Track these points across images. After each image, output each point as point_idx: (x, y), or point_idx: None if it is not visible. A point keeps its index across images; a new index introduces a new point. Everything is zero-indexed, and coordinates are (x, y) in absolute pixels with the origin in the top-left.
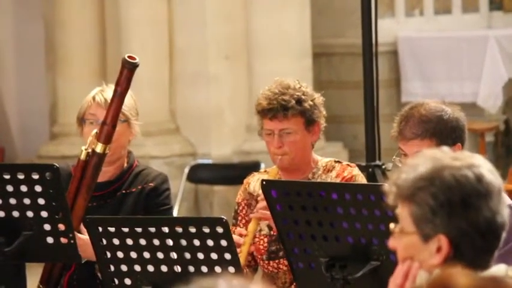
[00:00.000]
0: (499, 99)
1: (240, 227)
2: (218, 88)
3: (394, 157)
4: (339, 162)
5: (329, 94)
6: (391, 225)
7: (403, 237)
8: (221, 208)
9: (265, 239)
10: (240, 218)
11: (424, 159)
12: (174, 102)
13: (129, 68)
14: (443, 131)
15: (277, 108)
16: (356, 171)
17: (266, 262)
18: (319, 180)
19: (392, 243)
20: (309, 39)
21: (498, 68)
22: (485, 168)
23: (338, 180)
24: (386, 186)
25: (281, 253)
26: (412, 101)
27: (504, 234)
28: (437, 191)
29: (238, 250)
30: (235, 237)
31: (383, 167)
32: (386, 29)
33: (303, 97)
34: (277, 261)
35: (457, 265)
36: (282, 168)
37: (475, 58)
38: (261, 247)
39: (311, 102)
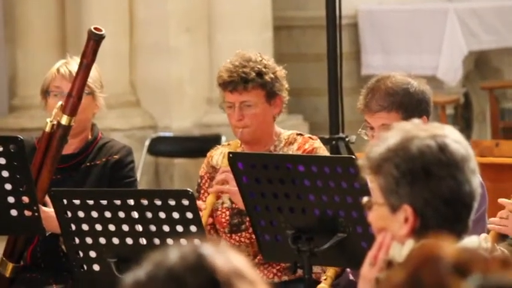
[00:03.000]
0: (458, 73)
1: (203, 200)
2: (179, 60)
3: (360, 130)
4: (300, 134)
5: (290, 67)
6: (364, 199)
7: (375, 209)
8: (181, 181)
9: (227, 212)
10: (202, 191)
11: (394, 131)
12: (134, 75)
13: (95, 39)
14: (409, 103)
15: (238, 81)
16: (318, 143)
17: (228, 235)
18: (281, 153)
19: (369, 216)
20: (270, 12)
21: (458, 41)
22: (451, 138)
23: (299, 153)
24: (361, 160)
25: (243, 226)
26: (372, 74)
27: (476, 204)
28: (400, 162)
29: None
30: None
31: (346, 139)
32: (347, 2)
33: (264, 70)
34: (239, 234)
35: (425, 235)
36: (243, 141)
37: (435, 31)
38: (223, 220)
39: (272, 75)
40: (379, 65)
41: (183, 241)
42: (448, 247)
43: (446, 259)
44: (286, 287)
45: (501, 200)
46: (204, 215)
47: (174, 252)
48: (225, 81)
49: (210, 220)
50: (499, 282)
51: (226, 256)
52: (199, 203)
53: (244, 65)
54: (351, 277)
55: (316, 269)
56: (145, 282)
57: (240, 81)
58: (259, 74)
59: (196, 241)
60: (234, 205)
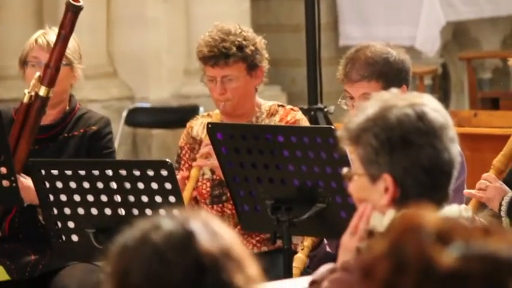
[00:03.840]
0: (436, 43)
1: (183, 171)
2: (156, 31)
3: (339, 100)
4: (282, 106)
5: (267, 38)
6: (344, 169)
7: (355, 180)
8: (159, 152)
9: (208, 184)
10: (183, 162)
11: (373, 101)
12: (111, 46)
13: (73, 10)
14: (389, 73)
15: (219, 56)
16: (299, 115)
17: (209, 206)
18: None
19: (349, 187)
20: None
21: (436, 11)
22: (429, 107)
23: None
24: (339, 131)
25: (224, 197)
26: (350, 45)
27: (456, 172)
28: (379, 131)
29: None
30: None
31: (325, 110)
32: None
33: (244, 42)
34: (220, 205)
35: (405, 204)
36: (226, 114)
37: (413, 1)
38: (204, 191)
39: (252, 47)
40: (357, 35)
41: (162, 211)
42: (430, 216)
43: (428, 228)
44: (266, 257)
45: (466, 192)
46: (188, 188)
47: (162, 226)
48: (206, 55)
49: (195, 193)
50: (480, 250)
51: (214, 233)
52: (183, 173)
53: (224, 39)
54: (328, 249)
55: (295, 240)
56: (129, 256)
57: (221, 55)
58: (240, 47)
59: (185, 213)
60: (215, 176)
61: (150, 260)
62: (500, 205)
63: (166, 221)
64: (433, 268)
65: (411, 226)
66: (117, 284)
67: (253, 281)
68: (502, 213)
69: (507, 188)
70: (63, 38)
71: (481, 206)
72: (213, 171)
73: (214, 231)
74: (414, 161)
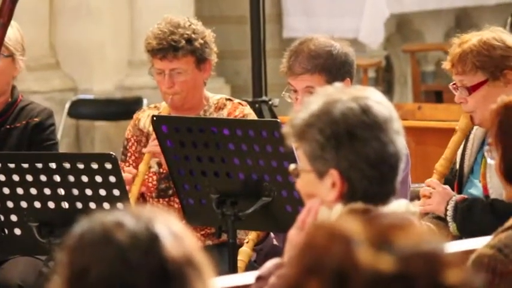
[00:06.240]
0: (380, 35)
1: (130, 163)
2: (99, 22)
3: (283, 92)
4: (230, 100)
5: (211, 30)
6: (291, 166)
7: (302, 176)
8: (103, 144)
9: (155, 177)
10: (129, 154)
11: (317, 96)
12: (54, 37)
13: None
14: (332, 66)
15: (167, 49)
16: (248, 109)
17: (156, 200)
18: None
19: (297, 184)
20: None
21: (379, 3)
22: (373, 100)
23: None
24: (284, 128)
25: (171, 191)
26: (294, 37)
27: (402, 165)
28: (323, 126)
29: (127, 188)
30: (124, 174)
31: (270, 102)
32: None
33: (193, 36)
34: (167, 199)
35: (353, 199)
36: (174, 107)
37: None
38: (150, 185)
39: (201, 41)
40: (301, 27)
41: (105, 205)
42: (351, 224)
43: (357, 237)
44: (210, 251)
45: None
46: (136, 183)
47: (125, 224)
48: (154, 48)
49: (143, 188)
50: (412, 248)
51: (178, 238)
52: (129, 169)
53: (173, 32)
54: (275, 242)
55: (241, 234)
56: (89, 253)
57: (170, 48)
58: (189, 40)
59: (146, 211)
60: (161, 170)
61: (113, 259)
62: (446, 210)
63: (129, 219)
64: (378, 274)
65: (336, 239)
66: (73, 281)
67: None
68: (448, 219)
69: (451, 191)
70: (1, 26)
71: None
72: (159, 165)
73: (178, 235)
74: (360, 155)
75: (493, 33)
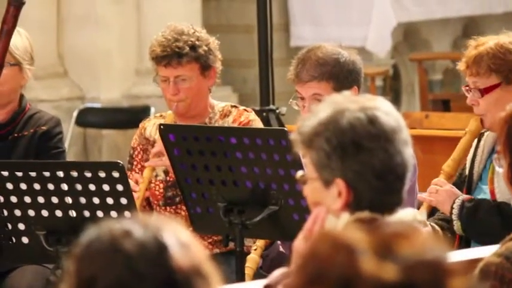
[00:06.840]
0: (387, 44)
1: (136, 172)
2: (107, 31)
3: (290, 100)
4: (235, 107)
5: (218, 38)
6: (298, 173)
7: (309, 184)
8: (110, 152)
9: (161, 185)
10: (135, 163)
11: (325, 104)
12: (62, 45)
13: (15, 5)
14: (340, 73)
15: (172, 55)
16: (253, 116)
17: (162, 208)
18: (216, 125)
19: (304, 191)
20: None
21: (387, 12)
22: (381, 110)
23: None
24: (292, 135)
25: (178, 199)
26: (301, 46)
27: (409, 174)
28: (330, 136)
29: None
30: (130, 182)
31: (277, 111)
32: None
33: (197, 43)
34: (174, 207)
35: (359, 208)
36: (179, 115)
37: (364, 2)
38: (157, 193)
39: (205, 48)
40: (308, 36)
41: (113, 213)
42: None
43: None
44: (218, 259)
45: (418, 196)
46: (141, 189)
47: (133, 233)
48: (159, 55)
49: (147, 194)
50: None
51: (186, 247)
52: (136, 176)
53: (177, 39)
54: (281, 249)
55: (248, 242)
56: (98, 262)
57: (174, 55)
58: (193, 47)
59: (157, 221)
60: (168, 178)
61: (121, 269)
62: (452, 208)
63: (137, 228)
64: (381, 283)
65: (339, 248)
66: None
67: None
68: (454, 217)
69: (458, 191)
70: (5, 34)
71: (432, 210)
72: (166, 173)
73: (186, 244)
74: (366, 165)
75: (510, 38)
